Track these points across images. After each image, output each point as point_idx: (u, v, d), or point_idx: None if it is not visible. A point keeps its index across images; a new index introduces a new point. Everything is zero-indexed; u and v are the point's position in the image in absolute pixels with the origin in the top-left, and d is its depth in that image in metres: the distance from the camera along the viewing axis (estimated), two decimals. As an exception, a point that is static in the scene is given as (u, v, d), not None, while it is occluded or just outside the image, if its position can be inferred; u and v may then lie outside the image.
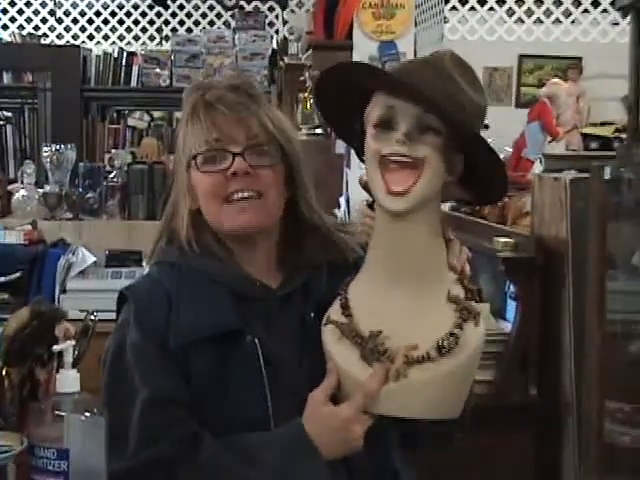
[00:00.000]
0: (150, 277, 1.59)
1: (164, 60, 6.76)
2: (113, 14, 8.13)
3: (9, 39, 7.89)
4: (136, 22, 8.17)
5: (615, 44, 7.38)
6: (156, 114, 7.41)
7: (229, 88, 1.57)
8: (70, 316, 2.08)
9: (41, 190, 4.45)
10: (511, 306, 2.96)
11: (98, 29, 8.17)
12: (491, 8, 7.74)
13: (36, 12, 8.14)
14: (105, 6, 8.14)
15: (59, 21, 8.15)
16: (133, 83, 6.80)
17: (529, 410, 2.78)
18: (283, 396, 1.50)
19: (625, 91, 2.83)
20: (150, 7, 8.11)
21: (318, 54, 4.64)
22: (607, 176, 2.26)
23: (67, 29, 8.16)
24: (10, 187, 4.68)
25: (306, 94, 4.72)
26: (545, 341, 2.78)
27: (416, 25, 4.54)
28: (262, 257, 1.59)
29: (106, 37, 8.20)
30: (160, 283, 1.55)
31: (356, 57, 4.12)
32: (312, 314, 1.56)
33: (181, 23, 8.10)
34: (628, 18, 2.78)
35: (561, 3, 7.78)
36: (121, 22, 8.16)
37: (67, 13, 8.14)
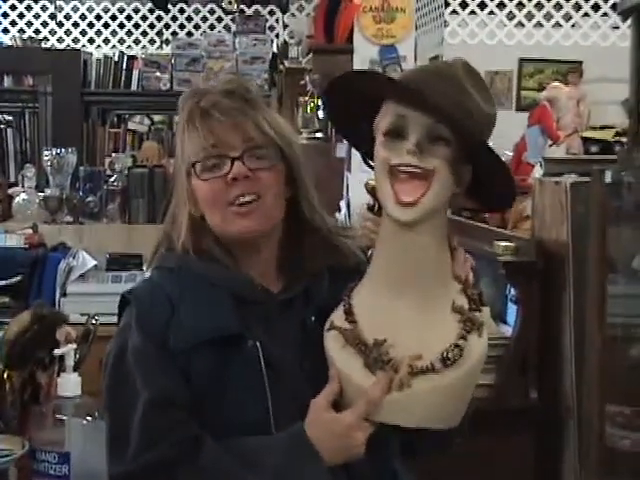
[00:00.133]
0: (151, 281, 1.59)
1: (164, 64, 6.76)
2: (114, 18, 8.14)
3: (10, 43, 7.89)
4: (137, 26, 8.17)
5: (615, 48, 7.38)
6: (156, 118, 7.41)
7: (224, 93, 1.57)
8: (71, 320, 2.09)
9: (42, 194, 4.46)
10: (512, 310, 2.96)
11: (99, 33, 8.18)
12: (491, 12, 7.74)
13: (37, 16, 8.14)
14: (106, 10, 8.15)
15: (60, 25, 8.15)
16: (133, 87, 6.80)
17: (529, 414, 2.78)
18: (284, 400, 1.50)
19: (625, 95, 2.83)
20: (151, 11, 8.12)
21: (318, 58, 4.64)
22: (608, 180, 2.26)
23: (68, 33, 8.17)
24: (11, 191, 4.69)
25: (306, 98, 4.73)
26: (545, 345, 2.78)
27: (416, 29, 4.54)
28: (264, 261, 1.59)
29: (106, 41, 8.20)
30: (161, 287, 1.55)
31: (356, 61, 4.12)
32: (313, 318, 1.56)
33: (181, 27, 8.11)
34: (628, 22, 2.79)
35: (561, 7, 7.78)
36: (122, 26, 8.17)
37: (68, 17, 8.14)
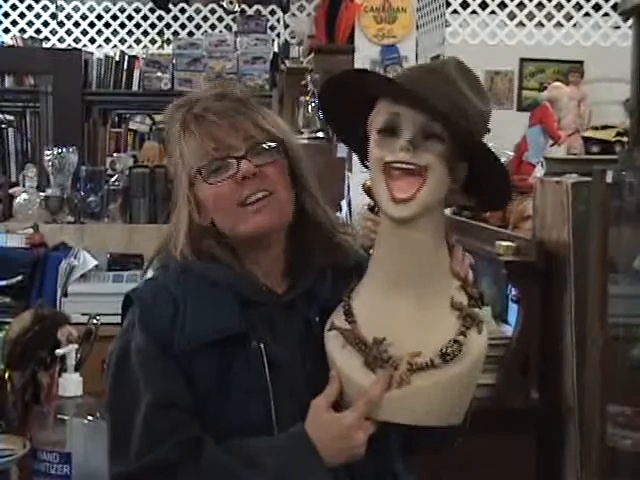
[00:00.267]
0: (156, 281, 1.59)
1: (166, 64, 6.76)
2: (115, 17, 8.12)
3: (11, 42, 7.88)
4: (138, 25, 8.16)
5: (616, 48, 7.37)
6: (158, 118, 7.40)
7: (215, 97, 1.58)
8: (72, 320, 2.09)
9: (43, 194, 4.46)
10: (513, 309, 2.96)
11: (100, 32, 8.16)
12: (492, 12, 7.73)
13: (38, 16, 8.13)
14: (107, 9, 8.14)
15: (61, 24, 8.14)
16: (135, 87, 6.80)
17: (530, 414, 2.78)
18: (286, 400, 1.50)
19: (627, 95, 2.82)
20: (152, 10, 8.10)
21: (320, 58, 4.65)
22: (609, 180, 2.26)
23: (69, 32, 8.15)
24: (12, 190, 4.69)
25: (307, 97, 4.73)
26: (547, 345, 2.78)
27: (417, 29, 4.55)
28: (270, 259, 1.58)
29: (107, 40, 8.18)
30: (165, 287, 1.55)
31: (358, 61, 4.13)
32: (317, 319, 1.56)
33: (183, 27, 8.09)
34: (629, 22, 2.78)
35: (562, 7, 7.77)
36: (122, 25, 8.15)
37: (69, 16, 8.13)
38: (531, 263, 2.79)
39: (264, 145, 1.55)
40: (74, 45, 7.97)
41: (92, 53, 7.25)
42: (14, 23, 8.12)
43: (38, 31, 8.12)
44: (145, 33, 8.17)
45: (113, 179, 4.57)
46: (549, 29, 7.84)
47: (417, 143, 1.38)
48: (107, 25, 8.15)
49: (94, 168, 4.95)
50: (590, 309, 2.32)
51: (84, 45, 7.99)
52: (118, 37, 8.18)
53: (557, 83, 7.91)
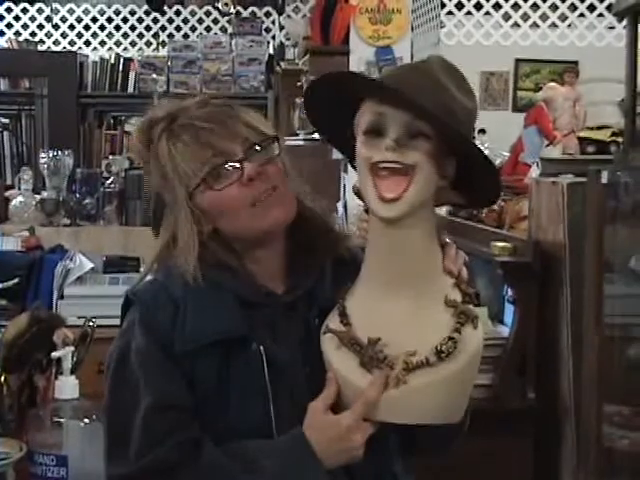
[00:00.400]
0: (156, 282, 1.58)
1: (161, 66, 6.76)
2: (110, 20, 8.12)
3: (6, 45, 7.88)
4: (133, 28, 8.16)
5: (611, 48, 7.38)
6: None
7: (197, 105, 1.57)
8: (68, 322, 2.08)
9: (38, 196, 4.45)
10: (509, 310, 2.97)
11: (95, 35, 8.17)
12: (487, 13, 7.74)
13: (33, 18, 8.13)
14: (102, 12, 8.14)
15: (56, 27, 8.14)
16: (130, 89, 6.80)
17: (527, 414, 2.78)
18: (286, 402, 1.50)
19: (621, 95, 2.83)
20: (147, 13, 8.11)
21: (315, 59, 4.65)
22: (604, 180, 2.27)
23: (64, 35, 8.15)
24: (7, 193, 4.67)
25: (303, 99, 4.73)
26: (543, 345, 2.79)
27: (412, 30, 4.56)
28: (271, 259, 1.58)
29: (103, 43, 8.19)
30: (166, 288, 1.54)
31: (353, 62, 4.14)
32: (316, 320, 1.55)
33: (178, 29, 8.10)
34: (624, 22, 2.79)
35: (557, 7, 7.78)
36: (118, 28, 8.16)
37: (64, 19, 8.13)
38: (527, 264, 2.79)
39: (260, 145, 1.55)
40: (69, 48, 7.97)
41: (87, 56, 7.25)
42: (9, 26, 8.12)
43: (33, 34, 8.13)
44: (140, 35, 8.18)
45: (109, 181, 4.56)
46: (544, 30, 7.85)
47: (403, 142, 1.38)
48: (102, 28, 8.15)
49: (90, 170, 4.94)
50: (586, 309, 2.32)
51: (79, 48, 8.00)
52: (113, 39, 8.18)
53: (552, 84, 7.92)
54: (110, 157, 5.34)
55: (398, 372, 1.41)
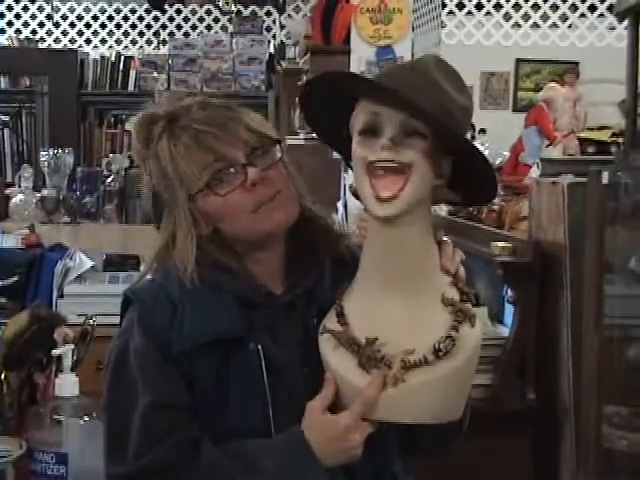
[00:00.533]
0: (155, 282, 1.58)
1: (162, 64, 6.75)
2: (110, 18, 8.13)
3: (6, 43, 7.88)
4: (133, 26, 8.16)
5: (612, 48, 7.39)
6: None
7: (198, 107, 1.56)
8: (68, 320, 2.08)
9: (39, 194, 4.45)
10: (509, 310, 2.96)
11: (95, 33, 8.17)
12: (488, 12, 7.74)
13: (33, 16, 8.13)
14: (102, 10, 8.14)
15: (56, 25, 8.15)
16: (130, 87, 6.79)
17: (527, 414, 2.78)
18: (284, 403, 1.50)
19: (622, 95, 2.83)
20: (147, 11, 8.11)
21: (316, 58, 4.65)
22: (604, 181, 2.27)
23: (64, 33, 8.16)
24: (8, 191, 4.68)
25: (299, 99, 4.73)
26: (543, 345, 2.79)
27: (413, 30, 4.56)
28: (272, 260, 1.58)
29: (103, 41, 8.19)
30: (164, 288, 1.54)
31: (354, 62, 4.14)
32: (315, 320, 1.55)
33: (178, 27, 8.10)
34: (625, 23, 2.79)
35: (558, 8, 7.78)
36: (118, 26, 8.16)
37: (64, 17, 8.14)
38: (527, 264, 2.79)
39: (262, 148, 1.55)
40: (70, 46, 7.98)
41: (88, 54, 7.24)
42: (10, 24, 8.13)
43: (34, 32, 8.13)
44: (141, 34, 8.18)
45: (109, 180, 4.56)
46: (545, 30, 7.86)
47: (399, 141, 1.38)
48: (103, 26, 8.16)
49: (90, 169, 4.94)
50: (586, 310, 2.32)
51: (80, 46, 8.00)
52: (114, 38, 8.19)
53: (553, 84, 7.94)
54: (110, 155, 5.33)
55: (396, 371, 1.41)
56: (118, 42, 8.18)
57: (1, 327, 2.06)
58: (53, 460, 1.68)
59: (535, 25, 7.94)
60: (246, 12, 7.87)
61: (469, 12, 7.87)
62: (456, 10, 7.82)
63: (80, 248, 3.76)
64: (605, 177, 2.27)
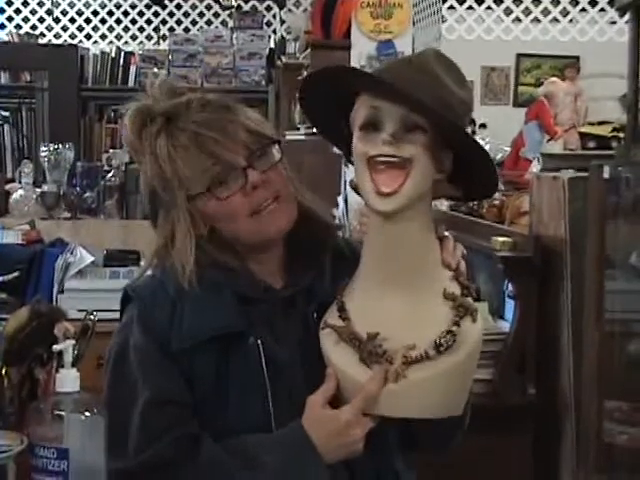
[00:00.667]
0: (155, 278, 1.57)
1: (162, 59, 6.76)
2: (110, 13, 8.12)
3: (6, 38, 7.88)
4: (133, 21, 8.16)
5: (613, 43, 7.39)
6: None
7: (198, 107, 1.54)
8: (68, 316, 2.08)
9: (39, 190, 4.45)
10: (509, 305, 2.96)
11: (95, 28, 8.17)
12: (489, 7, 7.74)
13: (33, 11, 8.13)
14: (102, 5, 8.14)
15: (56, 20, 8.14)
16: (131, 83, 6.80)
17: (527, 409, 2.78)
18: (285, 398, 1.49)
19: (623, 90, 2.83)
20: (147, 6, 8.11)
21: (316, 53, 4.65)
22: (605, 175, 2.26)
23: (64, 28, 8.15)
24: (8, 187, 4.68)
25: (298, 94, 4.73)
26: (543, 340, 2.79)
27: (414, 24, 4.55)
28: (273, 258, 1.58)
29: (103, 36, 8.19)
30: (164, 285, 1.54)
31: (354, 57, 4.13)
32: (315, 315, 1.55)
33: (178, 22, 8.10)
34: (626, 17, 2.79)
35: (559, 2, 7.78)
36: (118, 21, 8.16)
37: (64, 12, 8.13)
38: (528, 259, 2.79)
39: (262, 150, 1.54)
40: (70, 41, 7.97)
41: (88, 49, 7.25)
42: (10, 19, 8.12)
43: (34, 27, 8.13)
44: (141, 29, 8.18)
45: (109, 175, 4.56)
46: (545, 25, 7.86)
47: (399, 135, 1.38)
48: (103, 21, 8.16)
49: (90, 164, 4.94)
50: (587, 305, 2.32)
51: (80, 41, 8.00)
52: (114, 33, 8.18)
53: (553, 79, 7.91)
54: (111, 151, 5.34)
55: (397, 366, 1.41)
56: (118, 37, 8.17)
57: (2, 322, 2.06)
58: (54, 455, 1.68)
59: (536, 20, 7.94)
60: (246, 7, 7.86)
61: (470, 7, 7.87)
62: (456, 4, 7.82)
63: (80, 243, 3.76)
64: (606, 172, 2.26)
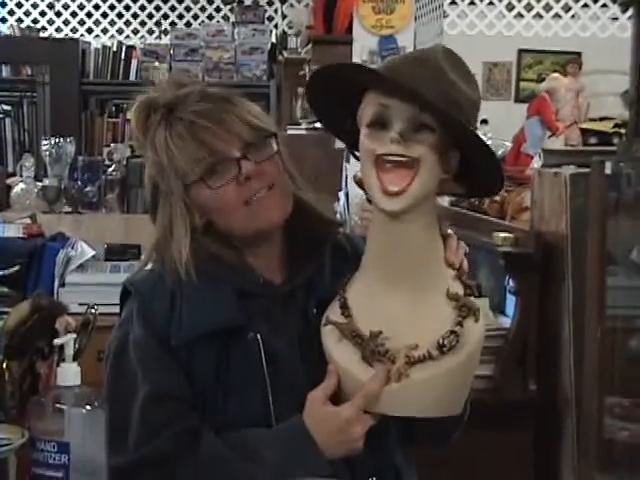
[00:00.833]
0: (154, 272, 1.58)
1: (163, 54, 6.75)
2: (112, 7, 8.12)
3: (8, 32, 7.88)
4: (135, 15, 8.16)
5: (614, 39, 7.38)
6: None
7: (197, 98, 1.54)
8: (69, 310, 2.08)
9: (40, 183, 4.45)
10: (510, 301, 2.96)
11: (97, 22, 8.16)
12: (490, 2, 7.74)
13: (35, 5, 8.12)
14: (104, -1, 8.14)
15: (58, 14, 8.13)
16: (132, 77, 6.80)
17: (528, 405, 2.78)
18: (284, 393, 1.49)
19: (624, 86, 2.82)
20: (149, 1, 8.10)
21: (318, 48, 4.65)
22: (607, 171, 2.26)
23: (66, 22, 8.15)
24: (9, 180, 4.68)
25: (305, 89, 4.73)
26: (544, 336, 2.79)
27: (416, 20, 4.55)
28: (270, 251, 1.58)
29: (105, 31, 8.18)
30: (163, 279, 1.54)
31: (356, 51, 4.13)
32: (315, 310, 1.55)
33: (180, 17, 8.10)
34: (628, 13, 2.78)
35: (561, -2, 7.78)
36: (120, 15, 8.15)
37: (66, 6, 8.12)
38: (529, 254, 2.79)
39: (258, 142, 1.54)
40: (71, 35, 7.97)
41: (89, 43, 7.24)
42: (11, 13, 8.12)
43: (35, 21, 8.12)
44: (143, 23, 8.17)
45: (110, 169, 4.56)
46: (547, 20, 7.85)
47: (408, 135, 1.37)
48: (104, 15, 8.15)
49: (91, 158, 4.94)
50: (588, 301, 2.32)
51: (81, 35, 7.99)
52: (116, 27, 8.18)
53: (555, 74, 7.91)
54: (112, 145, 5.34)
55: (400, 366, 1.41)
56: (120, 31, 8.17)
57: (3, 316, 2.06)
58: (55, 449, 1.68)
59: (538, 15, 7.93)
60: (248, 1, 7.85)
61: (471, 2, 7.86)
62: (458, 0, 7.81)
63: (81, 237, 3.76)
64: (607, 168, 2.26)
